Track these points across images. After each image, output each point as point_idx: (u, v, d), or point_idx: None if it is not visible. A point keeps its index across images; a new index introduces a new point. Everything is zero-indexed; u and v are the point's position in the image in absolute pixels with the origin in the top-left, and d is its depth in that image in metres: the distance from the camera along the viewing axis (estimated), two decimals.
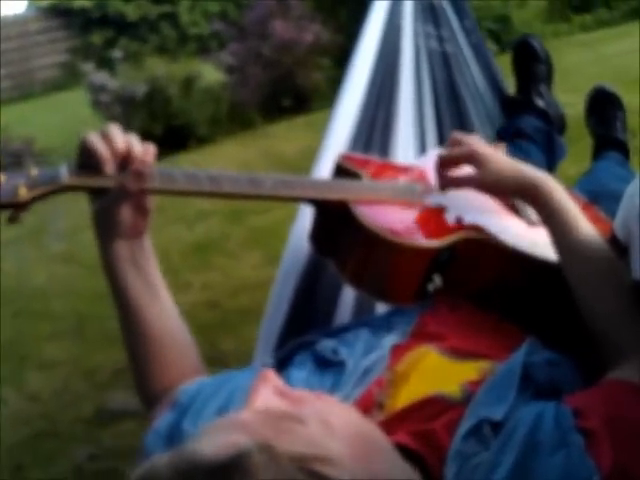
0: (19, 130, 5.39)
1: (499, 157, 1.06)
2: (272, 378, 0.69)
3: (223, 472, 0.54)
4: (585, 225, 0.97)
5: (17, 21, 9.89)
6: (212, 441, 0.58)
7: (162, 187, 0.98)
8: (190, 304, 2.96)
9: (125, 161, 0.93)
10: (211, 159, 4.93)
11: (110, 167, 0.92)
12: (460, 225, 1.11)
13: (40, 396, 2.63)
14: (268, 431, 0.60)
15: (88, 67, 5.76)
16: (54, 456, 2.28)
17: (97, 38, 9.46)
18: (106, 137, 0.93)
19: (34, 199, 0.89)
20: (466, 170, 1.09)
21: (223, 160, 4.84)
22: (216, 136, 5.42)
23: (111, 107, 5.37)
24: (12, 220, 0.90)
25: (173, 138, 5.14)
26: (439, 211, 1.15)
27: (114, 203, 0.95)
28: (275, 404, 0.67)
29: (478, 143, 1.09)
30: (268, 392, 0.67)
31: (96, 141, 0.92)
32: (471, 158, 1.07)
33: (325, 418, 0.66)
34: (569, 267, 0.97)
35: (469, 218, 1.12)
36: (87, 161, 0.93)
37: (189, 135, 5.33)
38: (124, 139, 0.95)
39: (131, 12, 9.41)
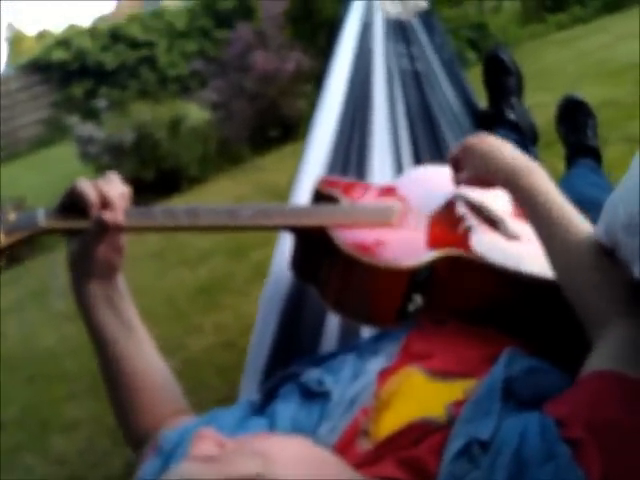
0: (8, 192, 5.38)
1: (481, 148, 1.09)
2: (209, 433, 0.68)
3: None
4: (568, 212, 0.97)
5: None
6: None
7: (140, 224, 0.99)
8: (205, 347, 2.93)
9: (105, 202, 0.94)
10: (204, 198, 4.93)
11: (95, 211, 0.93)
12: (442, 241, 1.11)
13: (66, 458, 2.59)
14: (198, 469, 0.62)
15: (73, 120, 5.76)
16: None
17: (77, 90, 9.51)
18: (97, 185, 0.95)
19: (12, 245, 0.90)
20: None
21: (217, 198, 4.84)
22: (207, 175, 5.43)
23: (100, 157, 5.37)
24: None
25: (164, 182, 5.15)
26: (418, 230, 1.15)
27: (91, 242, 0.95)
28: (214, 453, 0.66)
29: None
30: (206, 445, 0.66)
31: (87, 187, 0.93)
32: (461, 155, 1.12)
33: (263, 451, 0.65)
34: (556, 256, 0.96)
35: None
36: (71, 204, 0.93)
37: (180, 177, 5.33)
38: (113, 186, 0.96)
39: (109, 60, 9.47)
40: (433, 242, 1.12)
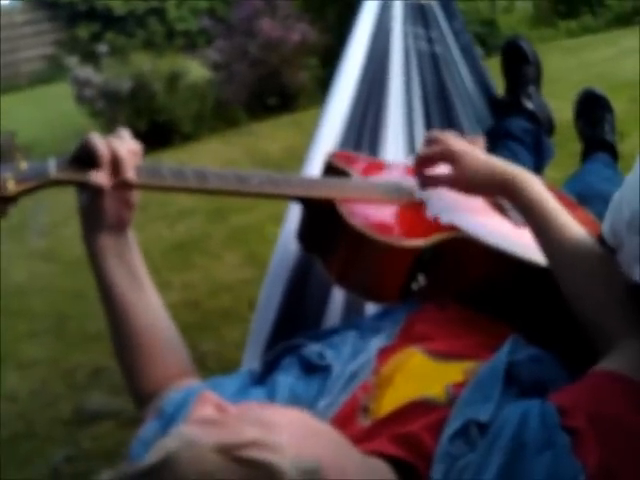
0: (5, 123, 5.33)
1: (474, 155, 1.06)
2: (210, 397, 0.69)
3: (153, 474, 0.57)
4: (565, 217, 0.97)
5: (3, 12, 9.79)
6: (150, 451, 0.61)
7: (149, 183, 1.00)
8: (170, 304, 2.89)
9: (115, 158, 0.95)
10: (195, 156, 4.91)
11: (105, 167, 0.94)
12: (440, 225, 1.12)
13: (17, 396, 2.59)
14: (197, 432, 0.62)
15: (72, 61, 5.72)
16: (31, 457, 2.25)
17: (83, 31, 9.39)
18: (108, 141, 0.96)
19: (22, 193, 0.90)
20: (444, 169, 1.10)
21: (207, 158, 4.83)
22: (200, 133, 5.41)
23: (95, 102, 5.33)
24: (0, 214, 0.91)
25: (157, 134, 5.12)
26: (423, 210, 1.15)
27: (99, 196, 0.96)
28: (214, 417, 0.67)
29: (453, 140, 1.09)
30: (208, 409, 0.68)
31: (99, 142, 0.94)
32: (445, 156, 1.07)
33: (262, 418, 0.66)
34: (553, 261, 0.97)
35: (446, 218, 1.12)
36: (82, 157, 0.95)
37: (173, 132, 5.31)
38: (124, 143, 0.97)
39: (118, 6, 9.35)
40: (432, 224, 1.13)
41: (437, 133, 1.13)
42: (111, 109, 5.21)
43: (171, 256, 3.46)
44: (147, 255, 3.33)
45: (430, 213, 1.13)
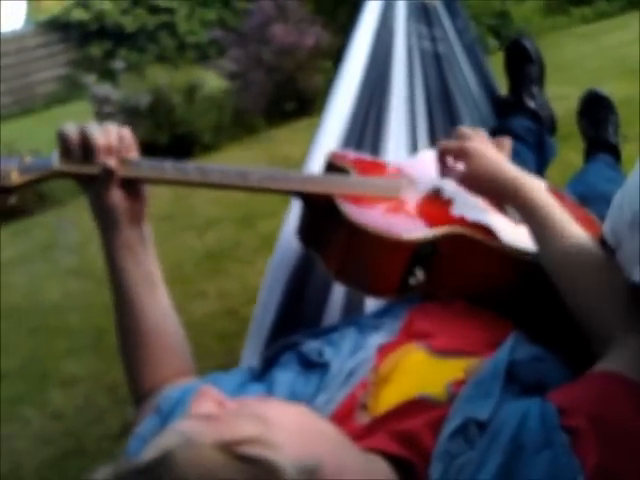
0: (23, 146, 5.38)
1: (483, 156, 1.07)
2: (210, 392, 0.70)
3: (151, 471, 0.57)
4: (567, 224, 0.97)
5: (15, 37, 9.88)
6: (148, 448, 0.61)
7: (151, 176, 1.02)
8: (207, 313, 2.95)
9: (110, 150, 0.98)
10: None
11: (104, 156, 0.96)
12: (446, 219, 1.12)
13: (63, 414, 2.61)
14: (196, 428, 0.62)
15: (90, 79, 5.76)
16: (82, 474, 2.26)
17: (96, 50, 9.46)
18: (105, 130, 0.98)
19: (25, 184, 0.93)
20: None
21: None
22: (221, 143, 5.43)
23: (115, 118, 5.36)
24: (2, 203, 0.93)
25: (178, 147, 5.14)
26: (426, 205, 1.17)
27: (103, 187, 0.97)
28: (213, 411, 0.67)
29: (475, 139, 1.11)
30: (207, 404, 0.68)
31: (95, 131, 0.97)
32: (459, 153, 1.09)
33: (262, 414, 0.66)
34: (553, 266, 0.97)
35: (473, 216, 1.12)
36: (78, 149, 0.97)
37: (194, 143, 5.32)
38: (117, 132, 1.00)
39: (129, 23, 9.41)
40: (431, 220, 1.13)
41: (466, 129, 1.15)
42: (131, 124, 5.22)
43: (204, 265, 3.47)
44: (179, 266, 3.37)
45: (457, 208, 1.15)
